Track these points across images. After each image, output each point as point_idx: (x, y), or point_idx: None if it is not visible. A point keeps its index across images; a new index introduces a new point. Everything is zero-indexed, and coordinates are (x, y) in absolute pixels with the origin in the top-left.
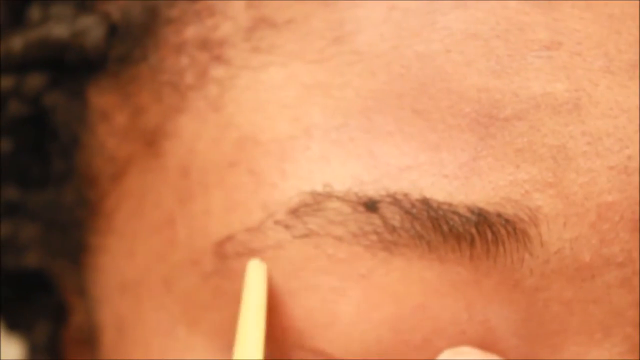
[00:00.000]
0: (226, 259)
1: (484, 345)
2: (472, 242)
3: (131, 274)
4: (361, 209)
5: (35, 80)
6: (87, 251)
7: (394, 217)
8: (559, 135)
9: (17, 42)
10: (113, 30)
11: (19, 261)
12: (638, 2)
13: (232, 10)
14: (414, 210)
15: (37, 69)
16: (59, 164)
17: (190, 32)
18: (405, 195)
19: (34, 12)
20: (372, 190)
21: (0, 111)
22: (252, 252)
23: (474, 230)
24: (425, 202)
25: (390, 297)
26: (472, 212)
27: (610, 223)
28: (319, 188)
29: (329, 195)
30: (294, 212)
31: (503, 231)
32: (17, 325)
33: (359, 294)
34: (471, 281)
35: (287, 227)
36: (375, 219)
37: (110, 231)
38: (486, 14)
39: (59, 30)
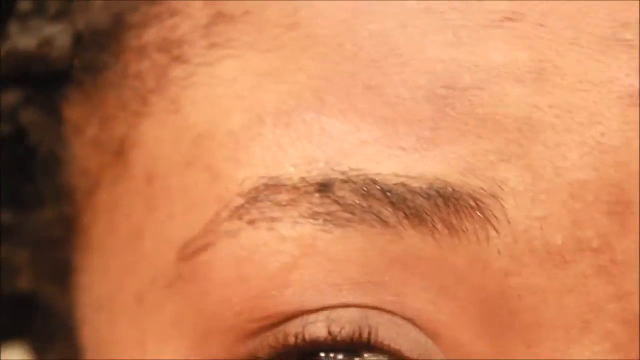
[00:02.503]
0: (187, 260)
1: (452, 333)
2: (432, 218)
3: (105, 291)
4: (314, 189)
5: (10, 97)
6: (72, 271)
7: (348, 195)
8: (524, 105)
9: None
10: (78, 39)
11: (14, 285)
12: None
13: (191, 9)
14: (368, 187)
15: (11, 84)
16: (43, 183)
17: (151, 34)
18: (359, 172)
19: (13, 27)
20: (326, 169)
21: None
22: (209, 246)
23: (433, 205)
24: (379, 178)
25: (349, 265)
26: (430, 185)
27: (583, 203)
28: (272, 172)
29: (281, 178)
30: (247, 199)
31: (465, 205)
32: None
33: (314, 264)
34: (437, 259)
35: (240, 215)
36: (329, 198)
37: (87, 248)
38: None
39: (25, 41)
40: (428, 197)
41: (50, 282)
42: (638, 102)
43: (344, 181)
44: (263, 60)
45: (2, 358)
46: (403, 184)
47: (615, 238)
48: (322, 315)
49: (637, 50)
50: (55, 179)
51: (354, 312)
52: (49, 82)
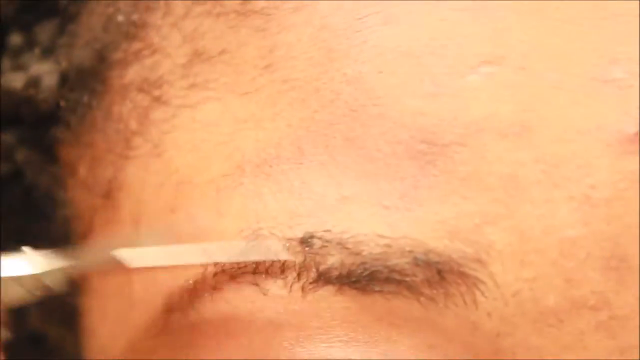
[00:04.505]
0: (174, 312)
1: None
2: (416, 284)
3: (105, 337)
4: (296, 244)
5: (7, 137)
6: (78, 314)
7: (331, 252)
8: (508, 162)
9: None
10: (64, 78)
11: (26, 325)
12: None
13: (170, 46)
14: (351, 249)
15: (6, 124)
16: (44, 225)
17: (131, 74)
18: (342, 232)
19: (6, 62)
20: (307, 225)
21: None
22: (194, 299)
23: (416, 271)
24: (362, 240)
25: (336, 323)
26: (413, 250)
27: (575, 261)
28: (253, 225)
29: (262, 232)
30: None
31: (450, 270)
32: None
33: (301, 322)
34: (424, 320)
35: (223, 269)
36: (311, 254)
37: (88, 292)
38: (419, 29)
39: (13, 81)
40: (411, 262)
41: (59, 325)
42: (629, 149)
43: (327, 240)
44: (241, 103)
45: None
46: (387, 247)
47: (613, 294)
48: None
49: (628, 91)
50: (54, 221)
51: None
52: (39, 122)
